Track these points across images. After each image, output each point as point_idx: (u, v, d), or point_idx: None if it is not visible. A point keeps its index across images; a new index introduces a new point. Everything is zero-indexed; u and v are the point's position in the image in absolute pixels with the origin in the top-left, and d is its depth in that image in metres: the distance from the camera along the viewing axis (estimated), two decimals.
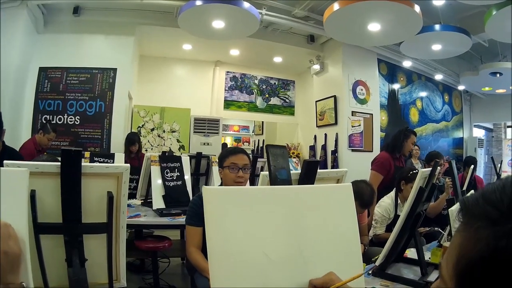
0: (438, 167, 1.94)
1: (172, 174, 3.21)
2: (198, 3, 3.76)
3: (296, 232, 0.81)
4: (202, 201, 0.80)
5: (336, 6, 3.76)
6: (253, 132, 7.96)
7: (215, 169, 3.33)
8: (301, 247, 0.81)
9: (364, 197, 2.29)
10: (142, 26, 4.85)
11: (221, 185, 2.21)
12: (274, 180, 0.86)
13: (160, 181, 3.10)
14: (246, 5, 3.86)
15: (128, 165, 1.14)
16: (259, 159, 3.79)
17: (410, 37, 4.55)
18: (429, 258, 2.02)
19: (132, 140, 4.18)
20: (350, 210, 0.94)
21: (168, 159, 3.25)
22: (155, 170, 3.14)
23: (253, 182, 3.40)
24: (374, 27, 4.15)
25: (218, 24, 4.17)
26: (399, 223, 1.68)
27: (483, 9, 4.39)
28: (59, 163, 1.03)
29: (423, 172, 1.65)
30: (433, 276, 1.75)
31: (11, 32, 4.00)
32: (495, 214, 0.35)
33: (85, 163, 1.06)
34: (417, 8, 3.76)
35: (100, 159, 3.17)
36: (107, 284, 1.29)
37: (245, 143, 8.01)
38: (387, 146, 3.65)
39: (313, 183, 1.14)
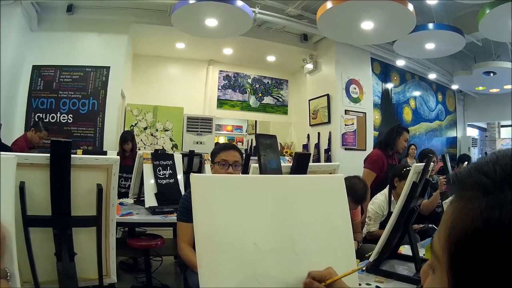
0: (432, 163, 1.94)
1: (165, 172, 3.19)
2: (191, 1, 3.75)
3: (287, 221, 0.79)
4: None
5: (329, 4, 3.76)
6: (246, 132, 7.94)
7: (207, 167, 3.32)
8: (292, 237, 0.79)
9: (357, 192, 2.28)
10: (136, 24, 4.83)
11: None
12: (264, 169, 0.85)
13: (152, 179, 3.08)
14: (240, 3, 3.85)
15: (118, 157, 1.13)
16: (251, 157, 3.77)
17: (404, 35, 4.56)
18: (424, 254, 2.02)
19: (125, 138, 4.13)
20: (342, 201, 0.93)
21: (160, 157, 3.22)
22: (148, 168, 3.12)
23: None
24: (367, 25, 4.16)
25: (211, 22, 4.16)
26: (393, 218, 1.68)
27: (476, 9, 4.42)
28: (49, 155, 1.01)
29: (416, 166, 1.66)
30: None
31: (5, 30, 3.96)
32: (488, 184, 0.34)
33: (74, 155, 1.05)
34: (410, 6, 3.77)
35: None
36: (97, 280, 1.27)
37: (238, 143, 7.98)
38: (379, 143, 3.65)
39: None
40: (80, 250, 1.14)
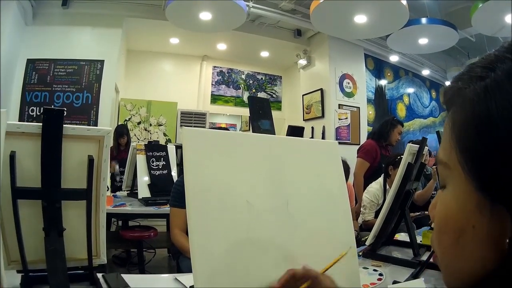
0: (426, 147, 1.94)
1: (158, 163, 3.17)
2: None
3: (281, 182, 0.76)
4: None
5: None
6: (240, 129, 7.91)
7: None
8: (287, 199, 0.77)
9: None
10: (130, 18, 4.81)
11: None
12: (256, 130, 0.83)
13: (145, 170, 3.05)
14: None
15: (111, 129, 1.11)
16: None
17: (396, 29, 4.57)
18: (421, 240, 2.01)
19: (121, 132, 4.13)
20: (337, 166, 0.91)
21: (154, 148, 3.20)
22: (141, 159, 3.09)
23: None
24: (360, 19, 4.17)
25: (205, 16, 4.14)
26: (389, 200, 1.67)
27: (469, 4, 4.43)
28: (41, 124, 0.98)
29: (411, 147, 1.65)
30: (425, 257, 1.73)
31: (1, 24, 3.92)
32: (482, 71, 0.33)
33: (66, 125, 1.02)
34: (403, 0, 3.79)
35: None
36: (86, 260, 1.24)
37: None
38: (373, 133, 3.67)
39: None
40: (69, 226, 1.10)
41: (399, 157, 2.52)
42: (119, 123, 4.75)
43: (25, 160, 1.02)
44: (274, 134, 0.90)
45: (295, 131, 1.09)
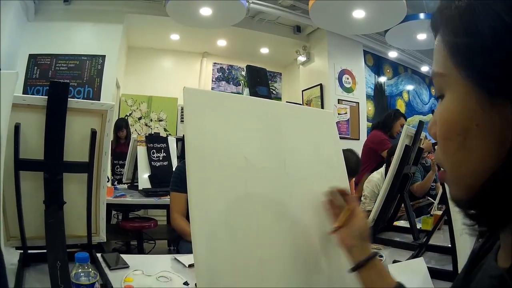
0: (423, 132, 1.96)
1: (159, 154, 3.19)
2: None
3: (279, 143, 0.78)
4: None
5: None
6: None
7: None
8: (284, 159, 0.78)
9: (350, 164, 2.30)
10: (131, 14, 4.84)
11: None
12: (254, 96, 0.85)
13: (146, 161, 3.08)
14: None
15: (113, 103, 1.13)
16: None
17: (394, 24, 4.59)
18: (420, 226, 2.05)
19: (120, 125, 4.17)
20: (332, 134, 0.93)
21: (154, 139, 3.23)
22: (141, 151, 3.11)
23: None
24: (358, 14, 4.20)
25: (206, 11, 4.17)
26: (387, 181, 1.69)
27: None
28: (46, 96, 1.00)
29: (408, 129, 1.67)
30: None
31: (2, 20, 3.96)
32: None
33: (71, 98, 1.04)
34: None
35: None
36: (86, 238, 1.25)
37: None
38: (378, 124, 3.71)
39: None
40: (69, 200, 1.11)
41: None
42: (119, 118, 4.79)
43: (29, 132, 1.04)
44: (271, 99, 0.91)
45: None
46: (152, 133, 4.94)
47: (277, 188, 0.76)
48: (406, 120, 3.68)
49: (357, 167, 2.43)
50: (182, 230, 1.85)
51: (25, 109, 1.02)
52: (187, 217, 1.91)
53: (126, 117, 4.88)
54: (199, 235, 0.61)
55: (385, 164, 2.73)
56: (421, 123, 1.76)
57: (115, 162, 3.93)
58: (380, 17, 4.37)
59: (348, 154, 2.36)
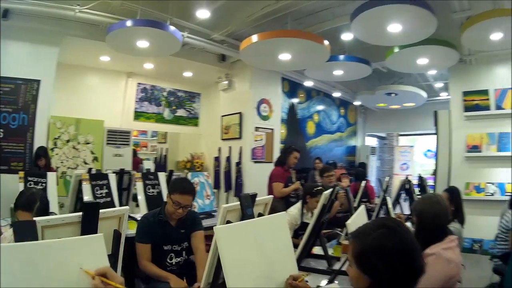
0: (337, 187, 2.65)
1: (102, 191, 3.39)
2: (129, 24, 3.93)
3: (268, 252, 1.30)
4: (150, 222, 1.69)
5: (254, 38, 4.25)
6: (152, 137, 7.76)
7: (138, 184, 3.55)
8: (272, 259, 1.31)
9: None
10: (69, 37, 4.71)
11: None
12: (245, 215, 1.35)
13: (92, 199, 3.24)
14: (172, 28, 4.17)
15: (128, 207, 1.48)
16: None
17: (317, 64, 5.20)
18: (332, 253, 2.65)
19: (37, 154, 4.22)
20: (286, 236, 1.47)
21: (97, 177, 3.40)
22: (87, 188, 3.26)
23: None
24: (285, 56, 4.71)
25: (143, 44, 4.37)
26: (309, 229, 2.27)
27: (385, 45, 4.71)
28: (81, 213, 1.26)
29: (325, 194, 2.31)
30: (336, 266, 2.37)
31: None
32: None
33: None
34: (326, 42, 4.33)
35: (34, 179, 3.20)
36: None
37: (143, 148, 7.71)
38: (278, 161, 4.55)
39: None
40: None
41: (315, 189, 3.19)
42: (48, 142, 4.67)
43: None
44: (253, 216, 1.43)
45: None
46: (80, 157, 4.96)
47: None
48: (298, 152, 4.47)
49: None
50: (154, 273, 2.28)
51: (63, 226, 1.25)
52: (151, 261, 2.33)
53: (54, 140, 4.78)
54: None
55: (301, 201, 3.36)
56: (335, 186, 2.43)
57: (32, 179, 3.86)
58: (306, 59, 4.94)
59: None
